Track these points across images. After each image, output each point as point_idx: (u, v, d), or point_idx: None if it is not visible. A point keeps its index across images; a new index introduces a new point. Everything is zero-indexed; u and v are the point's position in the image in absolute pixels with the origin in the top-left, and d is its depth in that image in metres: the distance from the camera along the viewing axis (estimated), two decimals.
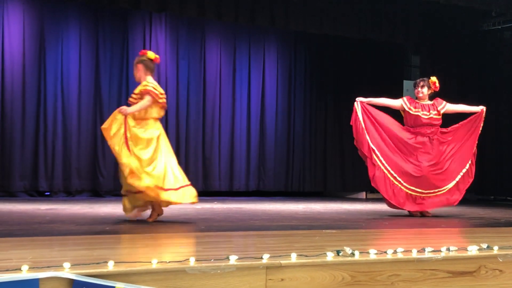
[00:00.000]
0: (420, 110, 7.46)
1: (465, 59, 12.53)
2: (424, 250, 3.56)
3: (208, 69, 11.48)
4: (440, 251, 3.58)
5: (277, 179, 12.08)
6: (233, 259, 3.06)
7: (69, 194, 10.27)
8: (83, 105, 10.46)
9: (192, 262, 2.99)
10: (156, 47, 10.98)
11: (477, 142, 7.71)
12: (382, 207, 9.32)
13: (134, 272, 2.83)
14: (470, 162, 7.61)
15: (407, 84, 13.52)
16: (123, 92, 10.75)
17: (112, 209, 7.56)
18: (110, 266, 2.84)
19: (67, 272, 2.71)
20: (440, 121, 7.58)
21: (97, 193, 10.48)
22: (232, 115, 11.70)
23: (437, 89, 7.62)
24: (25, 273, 2.65)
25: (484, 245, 3.79)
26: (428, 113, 7.46)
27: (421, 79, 7.71)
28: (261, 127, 11.98)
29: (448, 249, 3.64)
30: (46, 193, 10.22)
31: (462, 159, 7.59)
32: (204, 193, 11.16)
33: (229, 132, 11.65)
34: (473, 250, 3.70)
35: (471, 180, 7.66)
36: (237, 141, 11.71)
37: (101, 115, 10.51)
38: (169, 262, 2.96)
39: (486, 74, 12.62)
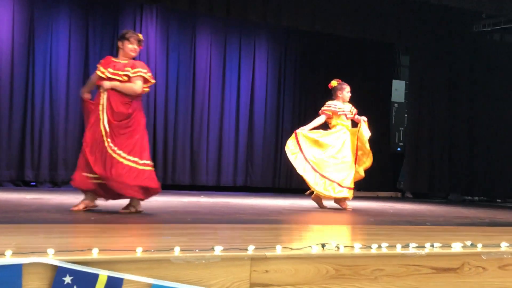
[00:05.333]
0: None
1: (455, 60, 12.59)
2: (408, 245, 3.57)
3: (198, 62, 11.45)
4: (424, 247, 3.60)
5: (265, 175, 12.07)
6: (218, 250, 3.05)
7: (55, 184, 10.22)
8: (71, 96, 10.39)
9: (177, 251, 2.98)
10: (146, 39, 10.93)
11: None
12: (368, 204, 9.37)
13: (118, 260, 2.82)
14: None
15: (396, 83, 13.58)
16: None
17: (98, 200, 7.52)
18: (95, 254, 2.82)
19: (51, 258, 2.70)
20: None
21: None
22: (221, 109, 11.68)
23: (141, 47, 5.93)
24: (8, 258, 2.63)
25: (468, 243, 3.81)
26: None
27: None
28: (250, 122, 11.96)
29: (432, 245, 3.65)
30: (32, 183, 10.17)
31: None
32: (191, 187, 11.17)
33: (217, 126, 11.62)
34: (457, 247, 3.71)
35: None
36: (226, 135, 11.69)
37: None
38: (154, 251, 2.95)
39: (476, 76, 12.68)
